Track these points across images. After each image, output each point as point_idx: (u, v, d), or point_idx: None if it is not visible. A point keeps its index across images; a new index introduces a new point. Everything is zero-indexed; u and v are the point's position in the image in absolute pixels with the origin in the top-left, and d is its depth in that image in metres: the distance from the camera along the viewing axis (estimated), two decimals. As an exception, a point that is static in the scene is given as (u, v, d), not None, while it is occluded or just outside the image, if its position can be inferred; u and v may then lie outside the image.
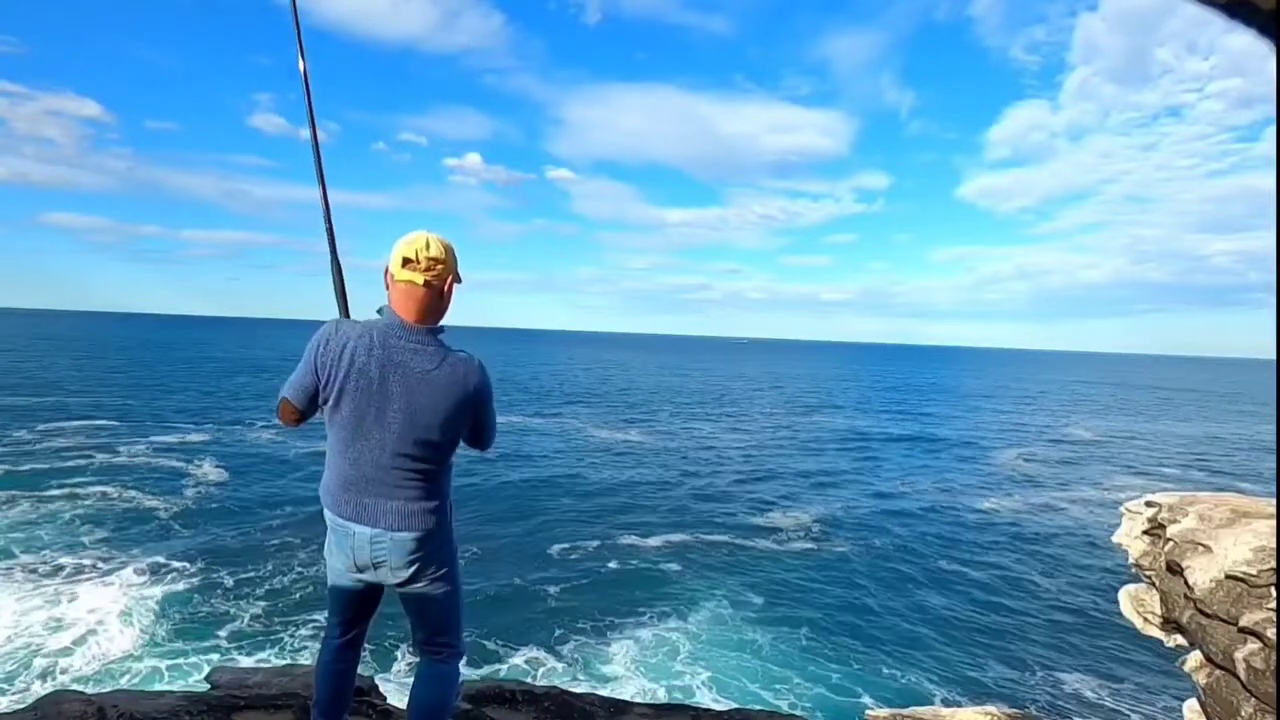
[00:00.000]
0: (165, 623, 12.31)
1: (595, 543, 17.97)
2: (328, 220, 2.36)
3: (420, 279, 1.98)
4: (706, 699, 10.55)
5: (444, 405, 1.98)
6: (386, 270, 2.03)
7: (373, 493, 2.01)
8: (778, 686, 11.40)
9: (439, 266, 2.00)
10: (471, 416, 2.07)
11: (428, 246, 1.98)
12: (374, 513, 2.01)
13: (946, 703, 10.62)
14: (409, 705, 2.27)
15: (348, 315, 2.28)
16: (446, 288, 2.04)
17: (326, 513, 2.10)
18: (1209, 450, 39.10)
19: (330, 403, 2.00)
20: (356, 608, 2.26)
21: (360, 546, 2.05)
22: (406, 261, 1.98)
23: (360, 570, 2.10)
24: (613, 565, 16.47)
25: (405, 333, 1.99)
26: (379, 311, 2.08)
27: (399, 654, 10.81)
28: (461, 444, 2.19)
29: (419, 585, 2.13)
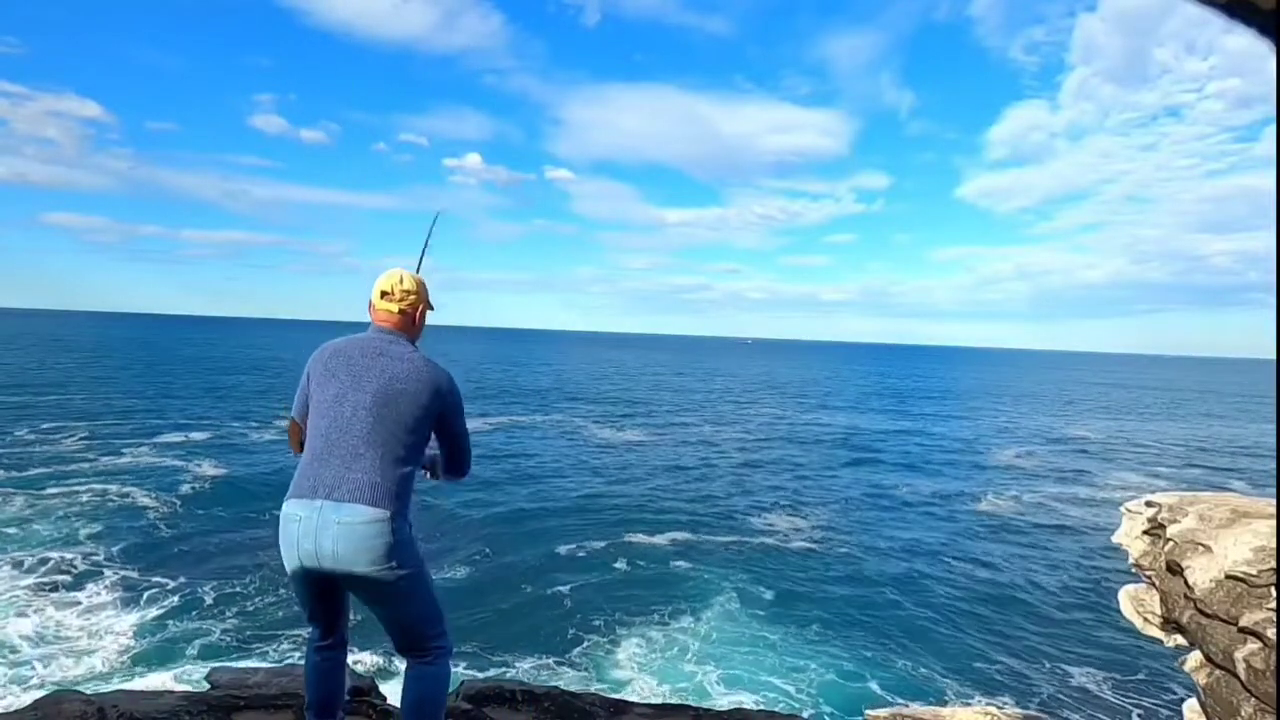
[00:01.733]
0: (165, 623, 12.31)
1: (599, 542, 17.97)
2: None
3: (395, 308, 2.31)
4: (708, 697, 10.55)
5: (415, 380, 2.15)
6: (370, 302, 2.34)
7: (333, 462, 2.05)
8: (779, 685, 11.40)
9: (411, 297, 2.34)
10: (440, 411, 2.20)
11: (401, 281, 2.34)
12: (329, 483, 2.01)
13: (946, 701, 10.62)
14: (401, 706, 2.27)
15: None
16: (419, 315, 2.38)
17: (282, 509, 2.11)
18: (1208, 450, 39.09)
19: (315, 391, 2.18)
20: (323, 611, 2.22)
21: (305, 535, 1.99)
22: (384, 294, 2.31)
23: (305, 564, 2.03)
24: (616, 564, 16.47)
25: (382, 333, 2.29)
26: None
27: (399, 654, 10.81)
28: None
29: (381, 592, 2.05)
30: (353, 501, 1.98)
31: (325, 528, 1.97)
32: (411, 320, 2.34)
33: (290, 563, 2.08)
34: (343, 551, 1.97)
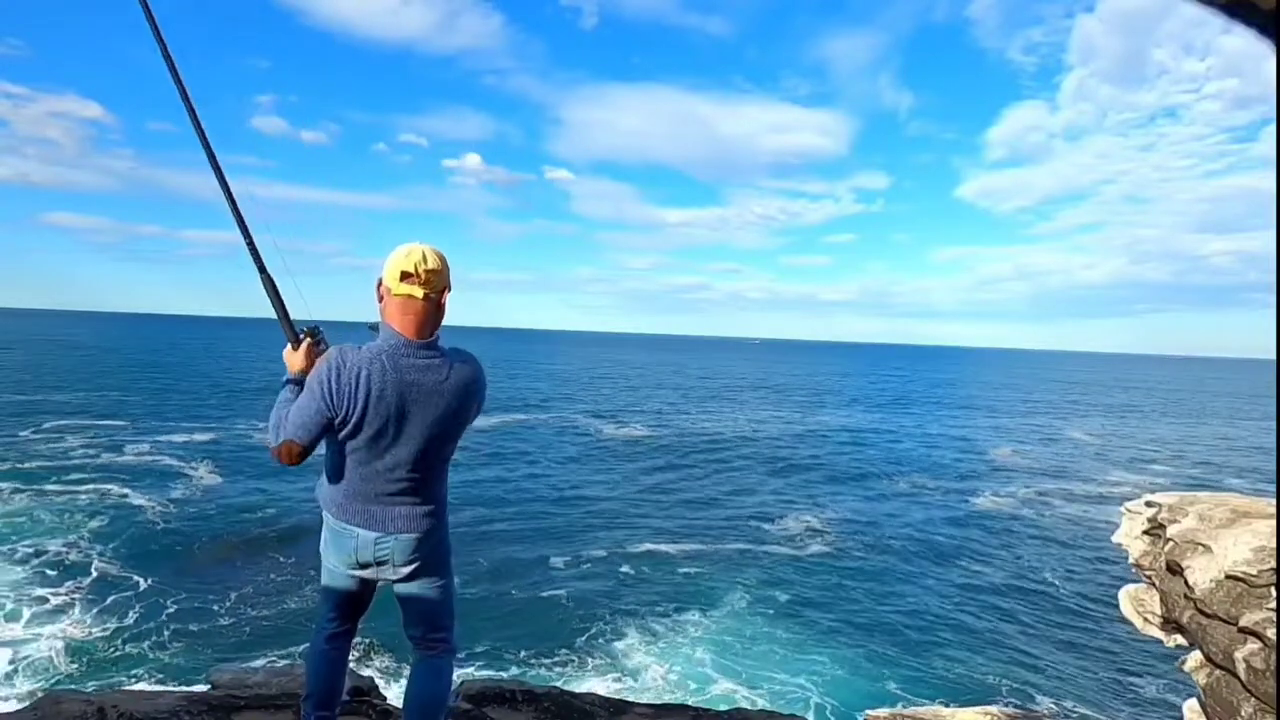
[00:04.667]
0: (165, 622, 12.31)
1: (601, 542, 17.98)
2: (239, 221, 2.19)
3: (420, 292, 1.96)
4: (708, 696, 10.55)
5: (456, 411, 2.08)
6: (380, 283, 2.01)
7: (380, 501, 2.08)
8: (779, 684, 11.40)
9: (436, 279, 1.99)
10: (474, 415, 2.19)
11: (425, 259, 1.96)
12: (380, 519, 2.08)
13: (946, 702, 10.62)
14: (405, 701, 2.29)
15: (294, 335, 2.16)
16: (444, 300, 2.05)
17: (326, 514, 2.13)
18: (1208, 450, 39.09)
19: (349, 430, 1.98)
20: (350, 605, 2.29)
21: (363, 547, 2.10)
22: (405, 275, 1.95)
23: (361, 568, 2.16)
24: (617, 564, 16.47)
25: (413, 350, 1.99)
26: (372, 328, 2.06)
27: (398, 654, 10.81)
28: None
29: (417, 581, 2.19)
30: (407, 533, 2.09)
31: (382, 549, 2.10)
32: (438, 307, 2.02)
33: (345, 566, 2.17)
34: (397, 560, 2.13)
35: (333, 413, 1.96)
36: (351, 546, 2.12)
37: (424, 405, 2.01)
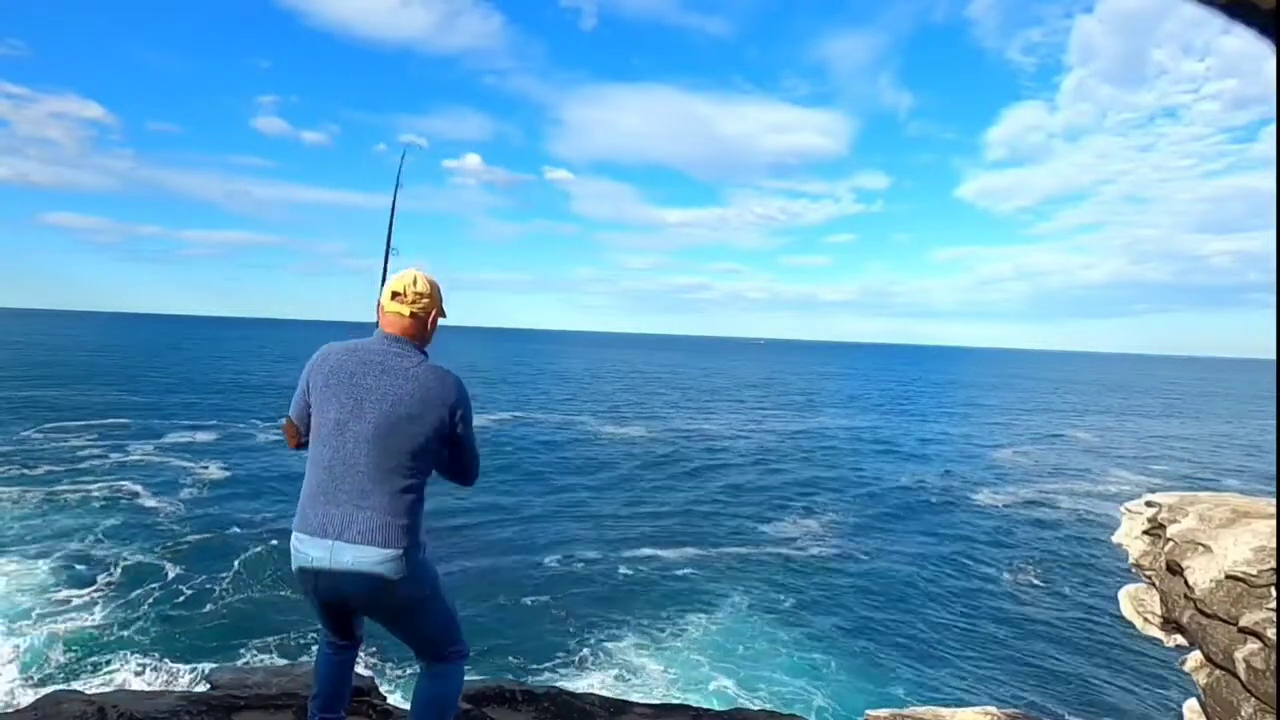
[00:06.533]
0: (166, 622, 12.31)
1: (601, 543, 17.97)
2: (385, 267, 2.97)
3: (407, 310, 2.15)
4: (708, 697, 10.55)
5: (421, 401, 2.02)
6: (379, 303, 2.21)
7: (341, 500, 1.97)
8: (778, 685, 11.40)
9: (424, 300, 2.18)
10: (450, 427, 2.08)
11: (415, 283, 2.18)
12: (339, 524, 1.96)
13: (946, 703, 10.62)
14: (413, 700, 2.30)
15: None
16: (430, 320, 2.22)
17: (292, 538, 2.08)
18: (1208, 450, 39.07)
19: (315, 408, 2.07)
20: (341, 624, 2.29)
21: (321, 574, 2.00)
22: (396, 295, 2.16)
23: (323, 598, 2.10)
24: (617, 564, 16.47)
25: (387, 340, 2.13)
26: None
27: (399, 654, 10.81)
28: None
29: (400, 618, 2.13)
30: (365, 544, 1.95)
31: (340, 567, 1.97)
32: (423, 325, 2.18)
33: (308, 594, 2.13)
34: (361, 592, 2.01)
35: (304, 386, 2.12)
36: (310, 572, 2.02)
37: (387, 382, 2.02)
